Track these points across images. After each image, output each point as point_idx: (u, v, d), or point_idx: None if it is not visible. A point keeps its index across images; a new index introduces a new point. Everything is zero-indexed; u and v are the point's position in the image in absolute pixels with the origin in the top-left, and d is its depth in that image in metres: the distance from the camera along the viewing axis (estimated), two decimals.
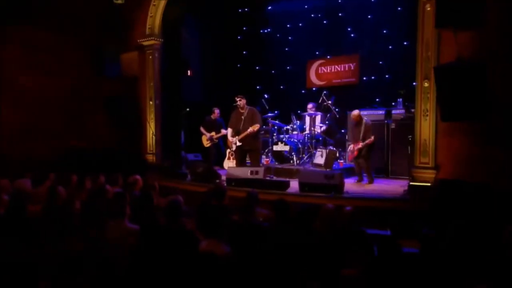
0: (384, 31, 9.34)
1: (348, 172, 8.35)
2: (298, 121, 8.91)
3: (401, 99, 8.33)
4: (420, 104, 6.27)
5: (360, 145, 7.33)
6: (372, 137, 7.24)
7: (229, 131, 7.91)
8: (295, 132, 8.78)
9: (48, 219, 4.78)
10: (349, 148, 7.65)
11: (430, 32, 6.13)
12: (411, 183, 6.16)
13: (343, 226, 4.66)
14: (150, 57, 9.60)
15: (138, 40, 9.61)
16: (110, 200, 5.56)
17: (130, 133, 9.80)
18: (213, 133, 9.37)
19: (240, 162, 7.89)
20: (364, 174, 7.72)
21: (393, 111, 8.24)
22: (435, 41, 6.10)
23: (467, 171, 5.83)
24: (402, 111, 8.17)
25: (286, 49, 10.83)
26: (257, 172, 7.05)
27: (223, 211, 5.16)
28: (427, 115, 6.20)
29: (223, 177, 7.64)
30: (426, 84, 6.21)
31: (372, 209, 5.92)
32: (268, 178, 7.32)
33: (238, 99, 7.71)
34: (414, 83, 8.71)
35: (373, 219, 5.26)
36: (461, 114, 5.38)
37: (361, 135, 7.35)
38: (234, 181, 7.07)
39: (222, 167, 8.95)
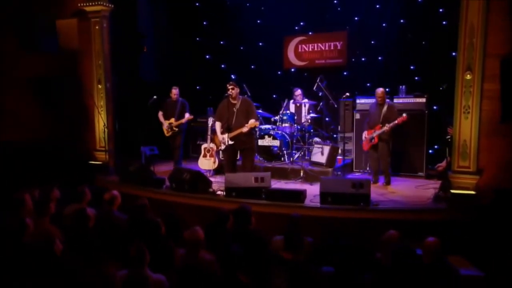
0: (377, 6, 8.28)
1: (347, 169, 7.42)
2: (288, 111, 7.60)
3: (403, 87, 7.44)
4: (460, 100, 5.38)
5: (381, 129, 6.37)
6: (405, 115, 6.25)
7: (218, 126, 6.38)
8: (286, 124, 7.46)
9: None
10: (364, 134, 6.62)
11: (476, 14, 5.21)
12: (452, 191, 5.38)
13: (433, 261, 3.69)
14: (97, 27, 7.48)
15: (79, 4, 7.41)
16: (116, 238, 3.90)
17: (72, 125, 7.75)
18: (171, 120, 7.39)
19: (232, 163, 6.49)
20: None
21: (395, 100, 7.35)
22: (483, 26, 5.19)
23: None
24: (406, 100, 7.31)
25: (258, 21, 9.24)
26: (262, 179, 5.74)
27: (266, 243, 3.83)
28: (468, 113, 5.34)
29: (215, 185, 6.22)
30: (468, 77, 5.30)
31: (407, 223, 5.06)
32: None
33: (230, 87, 6.15)
34: (412, 67, 8.09)
35: (408, 233, 4.29)
36: None
37: (381, 118, 6.37)
38: (235, 191, 5.70)
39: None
